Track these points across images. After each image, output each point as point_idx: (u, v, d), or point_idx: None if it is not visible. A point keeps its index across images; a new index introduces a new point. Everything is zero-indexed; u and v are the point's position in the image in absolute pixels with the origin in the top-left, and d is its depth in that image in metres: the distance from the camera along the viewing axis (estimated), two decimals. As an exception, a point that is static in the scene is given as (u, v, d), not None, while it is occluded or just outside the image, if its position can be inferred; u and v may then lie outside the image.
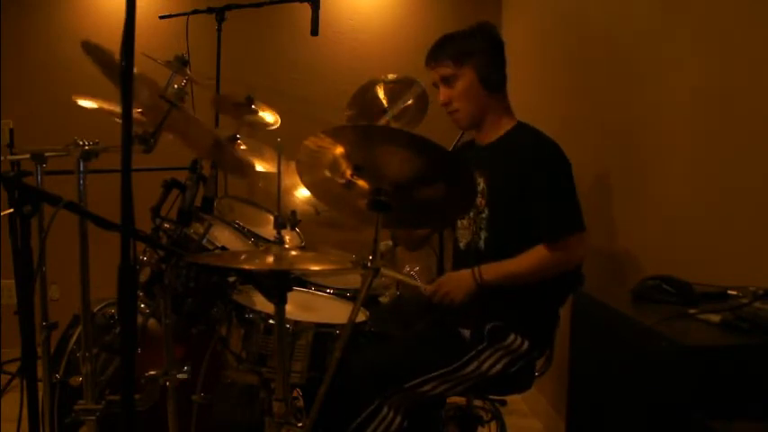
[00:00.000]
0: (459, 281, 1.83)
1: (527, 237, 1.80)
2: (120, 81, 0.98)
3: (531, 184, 1.79)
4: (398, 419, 1.70)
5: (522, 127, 1.94)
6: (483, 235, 1.90)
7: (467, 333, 1.83)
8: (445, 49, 1.92)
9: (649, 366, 1.14)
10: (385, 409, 1.69)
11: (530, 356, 1.82)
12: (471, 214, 1.92)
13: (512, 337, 1.78)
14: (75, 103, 1.98)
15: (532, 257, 1.79)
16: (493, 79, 1.89)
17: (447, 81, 1.92)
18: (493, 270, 1.81)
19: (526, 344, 1.79)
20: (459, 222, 1.98)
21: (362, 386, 1.71)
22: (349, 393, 1.68)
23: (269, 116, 2.50)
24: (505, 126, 1.94)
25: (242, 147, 2.40)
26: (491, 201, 1.87)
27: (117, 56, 1.55)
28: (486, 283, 1.80)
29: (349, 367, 1.59)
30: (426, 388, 1.73)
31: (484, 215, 1.89)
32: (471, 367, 1.76)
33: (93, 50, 1.59)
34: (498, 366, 1.77)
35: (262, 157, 2.35)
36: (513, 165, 1.83)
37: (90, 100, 2.00)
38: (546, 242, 1.78)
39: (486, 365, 1.76)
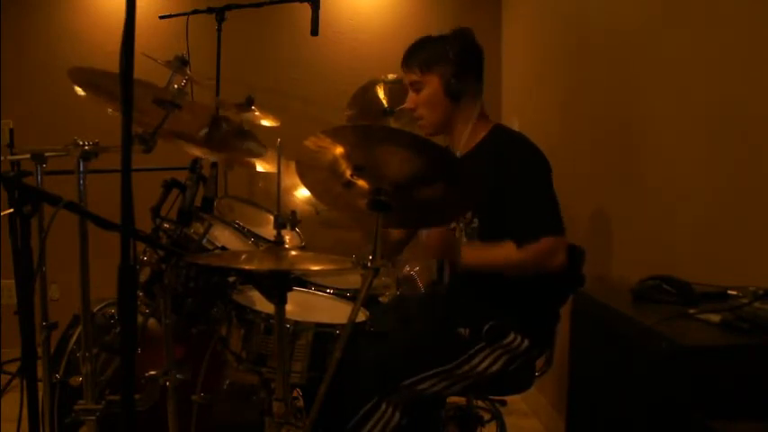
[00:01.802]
0: (447, 240, 1.87)
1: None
2: (120, 81, 0.98)
3: (507, 186, 1.78)
4: (397, 416, 1.70)
5: (496, 131, 1.93)
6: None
7: (466, 332, 1.83)
8: (415, 55, 1.92)
9: (649, 366, 1.14)
10: (383, 406, 1.69)
11: (529, 355, 1.83)
12: (462, 225, 1.92)
13: (511, 336, 1.78)
14: (76, 103, 1.98)
15: (502, 251, 1.77)
16: (458, 89, 1.88)
17: (414, 87, 1.93)
18: (472, 251, 1.84)
19: (526, 342, 1.79)
20: None
21: (362, 384, 1.71)
22: (348, 391, 1.68)
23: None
24: (480, 133, 1.92)
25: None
26: (479, 210, 1.87)
27: (107, 66, 1.56)
28: (464, 260, 1.83)
29: (348, 365, 1.59)
30: (425, 386, 1.73)
31: (474, 225, 1.89)
32: (469, 365, 1.76)
33: (79, 76, 1.60)
34: (497, 365, 1.77)
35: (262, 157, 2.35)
36: (491, 170, 1.81)
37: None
38: (516, 241, 1.76)
39: (484, 364, 1.77)
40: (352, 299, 1.99)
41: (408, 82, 1.94)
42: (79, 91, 1.65)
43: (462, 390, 1.82)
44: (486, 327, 1.78)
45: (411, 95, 1.94)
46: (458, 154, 1.95)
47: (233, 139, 1.89)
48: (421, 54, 1.91)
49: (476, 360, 1.76)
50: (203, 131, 1.84)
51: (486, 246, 1.83)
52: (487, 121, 1.96)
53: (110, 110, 1.64)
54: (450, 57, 1.87)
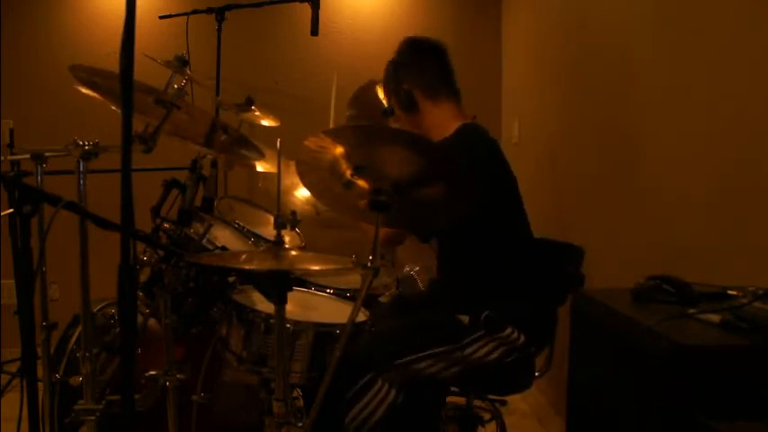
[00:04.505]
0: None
1: (466, 243, 1.86)
2: (120, 81, 0.98)
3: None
4: (393, 394, 1.69)
5: (457, 129, 1.95)
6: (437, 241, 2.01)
7: (465, 319, 1.83)
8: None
9: (649, 366, 1.14)
10: (379, 383, 1.69)
11: (526, 351, 1.83)
12: None
13: (509, 329, 1.79)
14: (76, 103, 1.98)
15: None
16: (403, 103, 2.02)
17: None
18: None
19: (522, 338, 1.80)
20: None
21: (359, 363, 1.70)
22: (346, 371, 1.67)
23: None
24: (448, 131, 1.96)
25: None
26: None
27: (106, 66, 1.56)
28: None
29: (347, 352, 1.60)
30: (422, 365, 1.74)
31: None
32: (468, 350, 1.77)
33: (80, 73, 1.60)
34: (494, 355, 1.78)
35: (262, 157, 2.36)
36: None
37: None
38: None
39: (482, 351, 1.78)
40: (352, 299, 1.99)
41: None
42: (82, 89, 1.65)
43: (459, 375, 1.81)
44: (484, 315, 1.79)
45: None
46: None
47: (232, 145, 1.90)
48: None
49: (475, 346, 1.78)
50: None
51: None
52: (455, 121, 1.97)
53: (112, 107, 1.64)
54: (385, 81, 2.05)
